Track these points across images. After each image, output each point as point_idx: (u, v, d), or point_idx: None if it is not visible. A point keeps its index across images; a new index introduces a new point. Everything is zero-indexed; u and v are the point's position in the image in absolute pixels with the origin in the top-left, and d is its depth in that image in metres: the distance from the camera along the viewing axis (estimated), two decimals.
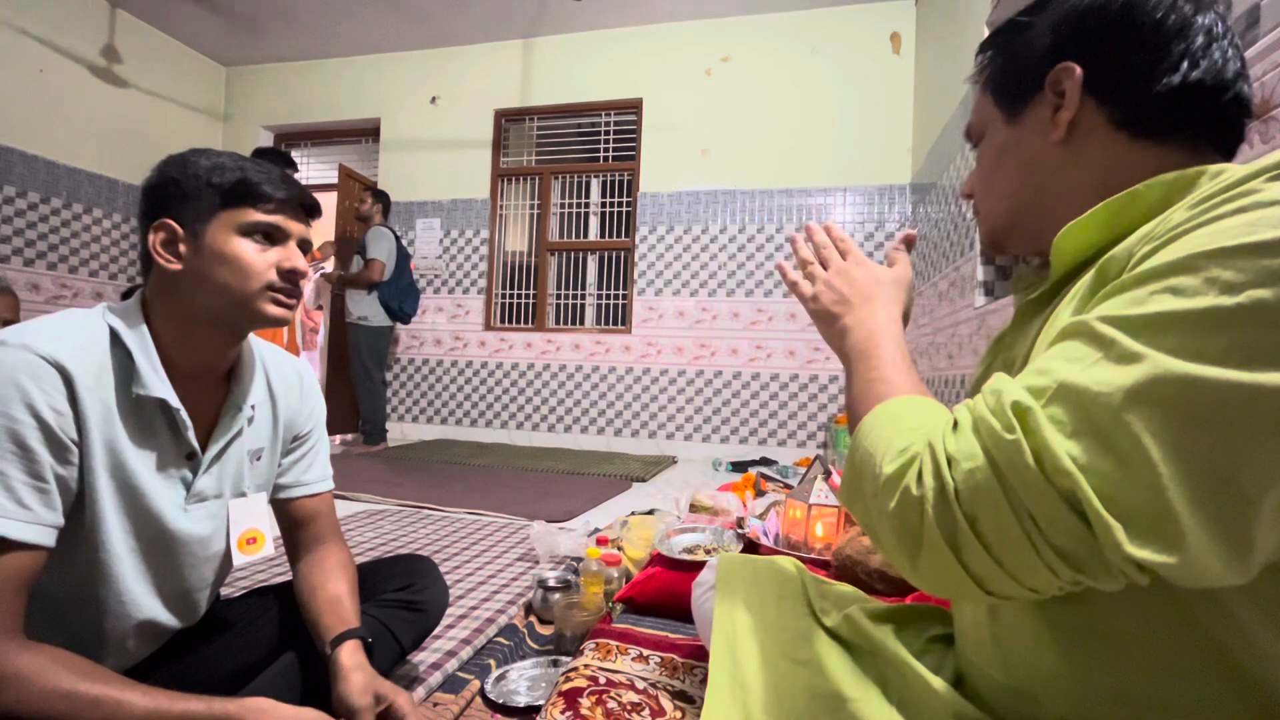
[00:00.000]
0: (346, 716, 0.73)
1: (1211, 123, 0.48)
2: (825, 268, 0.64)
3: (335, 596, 0.85)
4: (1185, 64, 0.46)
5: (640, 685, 0.94)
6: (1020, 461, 0.35)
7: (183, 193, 0.72)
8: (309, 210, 0.80)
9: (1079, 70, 0.49)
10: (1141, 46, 0.47)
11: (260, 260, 0.74)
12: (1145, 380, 0.33)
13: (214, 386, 0.80)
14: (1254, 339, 0.32)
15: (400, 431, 4.70)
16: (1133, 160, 0.49)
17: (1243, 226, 0.34)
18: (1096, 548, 0.34)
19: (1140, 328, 0.35)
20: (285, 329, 3.81)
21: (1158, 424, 0.33)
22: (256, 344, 0.88)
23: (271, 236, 0.76)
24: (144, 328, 0.73)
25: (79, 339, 0.68)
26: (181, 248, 0.72)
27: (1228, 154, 0.49)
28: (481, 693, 1.02)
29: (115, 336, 0.71)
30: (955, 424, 0.40)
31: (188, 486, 0.78)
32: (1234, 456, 0.32)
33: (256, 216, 0.74)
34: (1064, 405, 0.36)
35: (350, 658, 0.78)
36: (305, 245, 0.79)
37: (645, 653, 1.05)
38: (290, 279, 0.76)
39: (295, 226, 0.77)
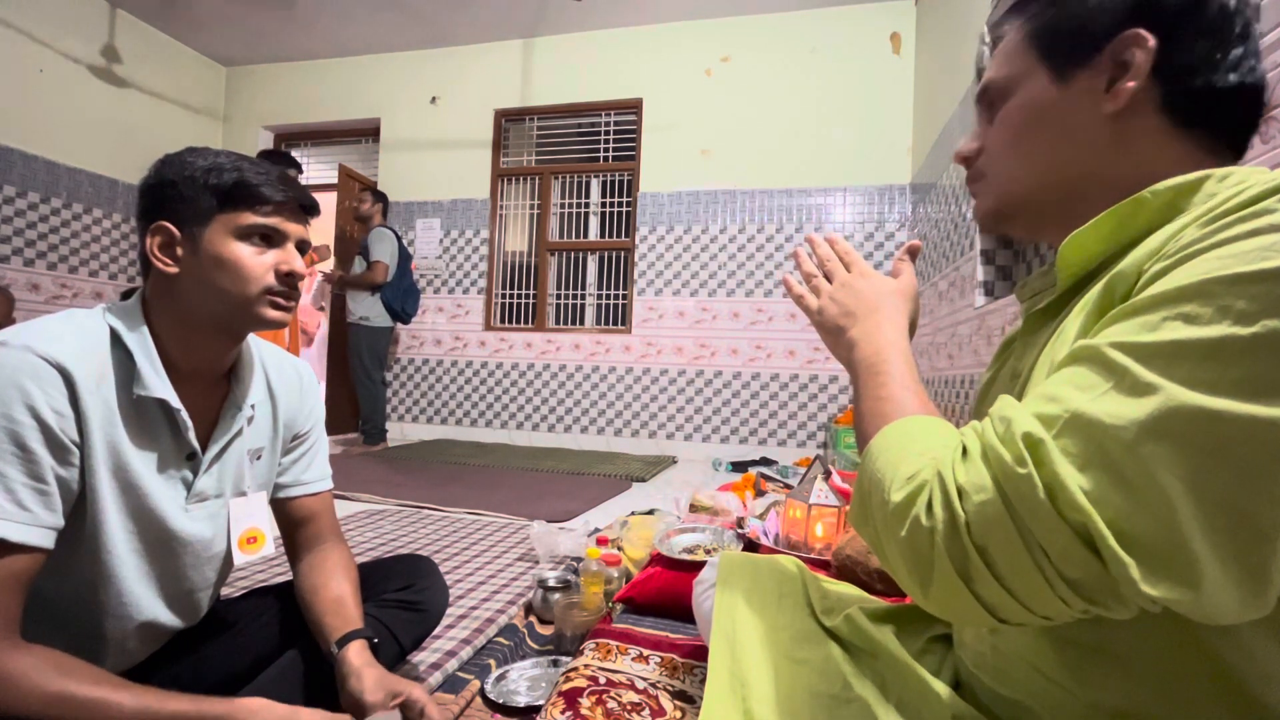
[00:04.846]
0: (358, 713, 0.74)
1: (1238, 125, 0.48)
2: (830, 280, 0.63)
3: (339, 597, 0.85)
4: (1243, 64, 0.46)
5: (640, 685, 0.94)
6: (1032, 495, 0.35)
7: (179, 195, 0.72)
8: (307, 210, 0.79)
9: (1153, 42, 0.46)
10: (1213, 35, 0.46)
11: (258, 264, 0.74)
12: (1159, 413, 0.33)
13: (214, 386, 0.80)
14: (1269, 370, 0.31)
15: (400, 431, 4.70)
16: (1169, 148, 0.47)
17: (1256, 251, 0.33)
18: (1110, 582, 0.34)
19: (1152, 356, 0.34)
20: (285, 329, 3.81)
21: (1172, 458, 0.32)
22: (256, 343, 0.88)
23: (269, 238, 0.75)
24: (144, 328, 0.73)
25: (80, 340, 0.68)
26: (179, 250, 0.72)
27: (1236, 158, 0.49)
28: (481, 693, 1.02)
29: (116, 337, 0.71)
30: (964, 450, 0.39)
31: (188, 487, 0.78)
32: (1250, 492, 0.31)
33: (254, 219, 0.73)
34: (1076, 437, 0.35)
35: (359, 656, 0.78)
36: (303, 246, 0.79)
37: (645, 653, 1.05)
38: (288, 282, 0.76)
39: (293, 228, 0.77)
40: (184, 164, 0.73)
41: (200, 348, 0.76)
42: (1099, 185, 0.49)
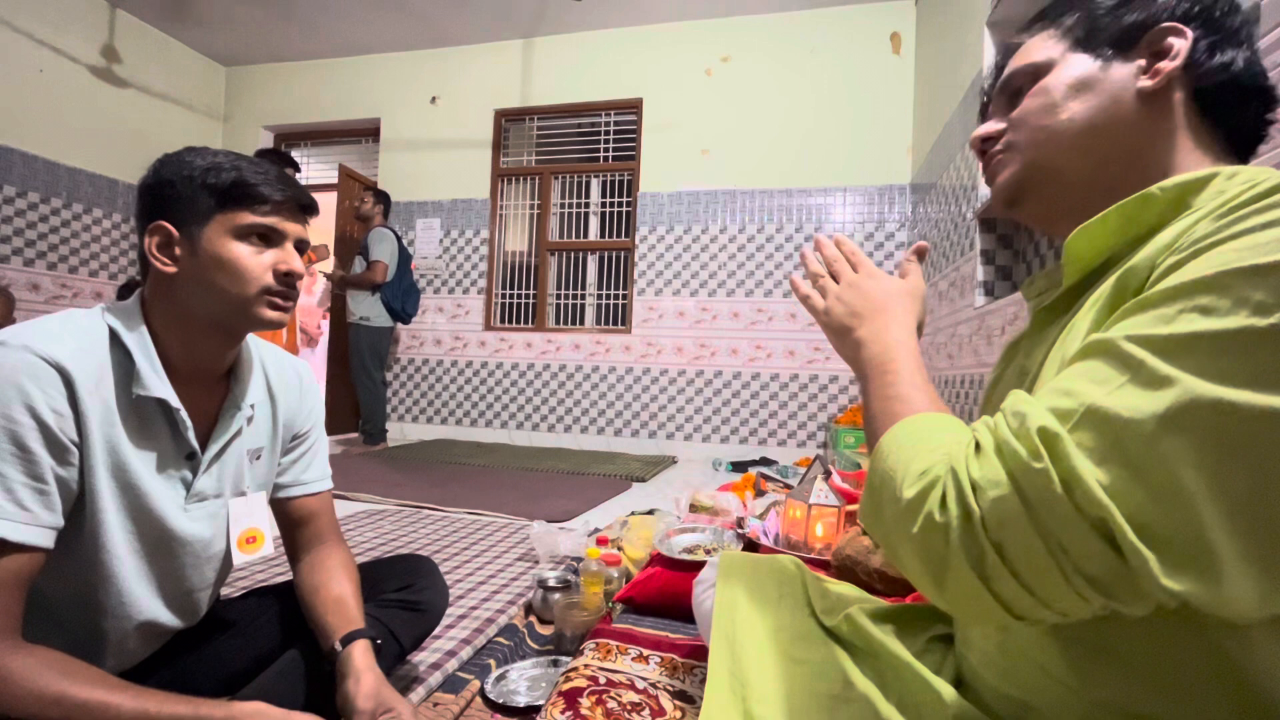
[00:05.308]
0: (347, 716, 0.73)
1: (1250, 128, 0.50)
2: (837, 281, 0.63)
3: (340, 596, 0.85)
4: (1263, 71, 0.49)
5: (640, 685, 0.94)
6: (1049, 490, 0.34)
7: (178, 194, 0.72)
8: (306, 210, 0.79)
9: (1191, 34, 0.49)
10: (1238, 43, 0.49)
11: (256, 263, 0.74)
12: (1177, 406, 0.32)
13: (213, 386, 0.80)
14: None
15: (400, 431, 4.70)
16: (1191, 137, 0.49)
17: (1272, 243, 0.33)
18: (1129, 576, 0.33)
19: (1169, 349, 0.34)
20: (284, 329, 3.81)
21: (1191, 451, 0.32)
22: (256, 343, 0.88)
23: (267, 238, 0.75)
24: (143, 328, 0.73)
25: (79, 340, 0.68)
26: (177, 250, 0.72)
27: (1244, 160, 0.51)
28: (481, 693, 1.02)
29: (115, 337, 0.71)
30: (977, 446, 0.39)
31: (188, 486, 0.78)
32: (1270, 484, 0.31)
33: (252, 219, 0.73)
34: (1092, 431, 0.34)
35: (363, 658, 0.78)
36: (302, 245, 0.79)
37: (645, 653, 1.05)
38: (287, 281, 0.76)
39: (292, 227, 0.77)
40: (182, 164, 0.73)
41: (199, 347, 0.76)
42: (1131, 165, 0.50)
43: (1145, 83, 0.49)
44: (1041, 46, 0.55)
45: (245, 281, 0.73)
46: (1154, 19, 0.50)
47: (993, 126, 0.58)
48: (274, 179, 0.75)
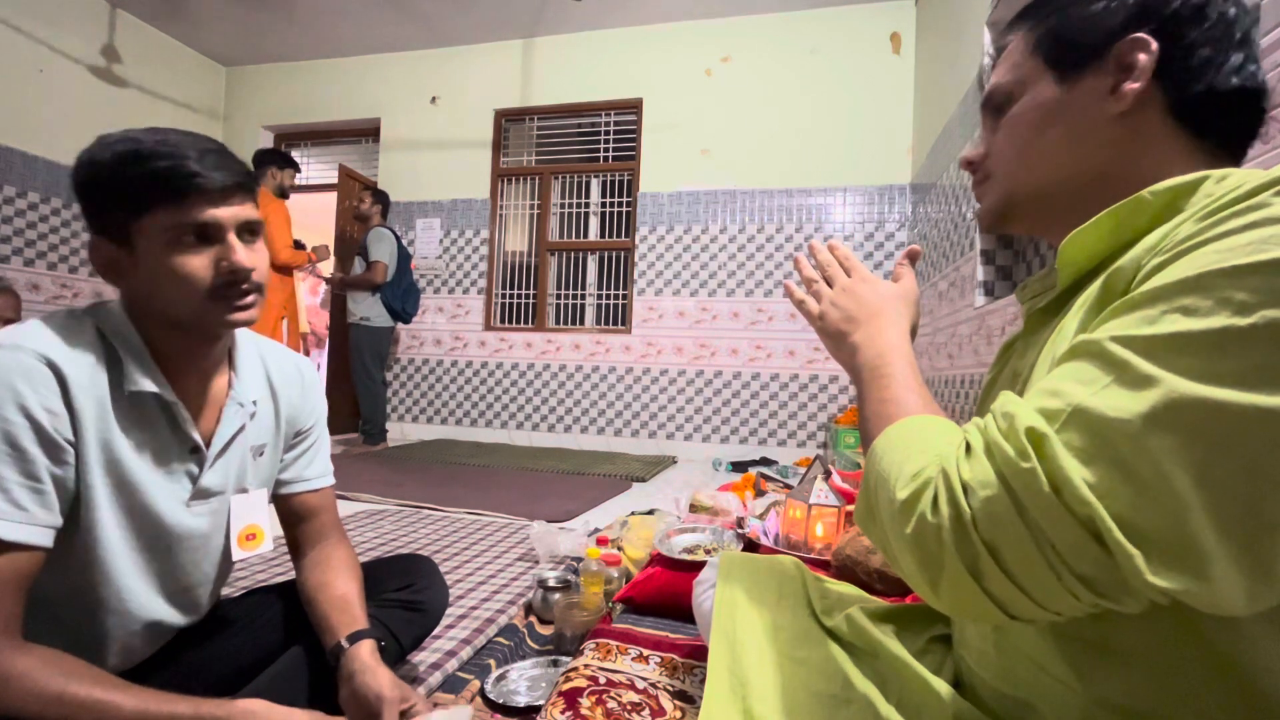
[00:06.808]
0: (374, 706, 0.74)
1: (1239, 130, 0.49)
2: (831, 286, 0.64)
3: (345, 595, 0.85)
4: (1244, 69, 0.47)
5: (640, 685, 0.94)
6: (1037, 490, 0.35)
7: (101, 207, 0.68)
8: (238, 188, 0.69)
9: (1156, 45, 0.47)
10: (1214, 41, 0.47)
11: (196, 265, 0.68)
12: (1161, 405, 0.33)
13: (211, 380, 0.80)
14: (1269, 360, 0.32)
15: (400, 431, 4.70)
16: (1176, 149, 0.49)
17: (1253, 244, 0.34)
18: (1118, 574, 0.34)
19: (1153, 349, 0.34)
20: (286, 331, 3.81)
21: (1177, 450, 0.32)
22: (256, 340, 0.88)
23: (203, 235, 0.68)
24: (129, 325, 0.72)
25: (71, 339, 0.68)
26: (124, 265, 0.70)
27: (1236, 160, 0.50)
28: (481, 693, 1.02)
29: (104, 335, 0.71)
30: (968, 447, 0.39)
31: (194, 481, 0.78)
32: (1256, 481, 0.32)
33: (177, 218, 0.66)
34: (1079, 431, 0.35)
35: (371, 656, 0.79)
36: (251, 226, 0.72)
37: (645, 653, 1.04)
38: (233, 277, 0.69)
39: (225, 213, 0.68)
40: (94, 166, 0.67)
41: (182, 344, 0.75)
42: (1113, 181, 0.50)
43: (1114, 107, 0.48)
44: (1014, 61, 0.55)
45: (189, 290, 0.68)
46: (1120, 30, 0.48)
47: (976, 151, 0.59)
48: (186, 156, 0.65)
